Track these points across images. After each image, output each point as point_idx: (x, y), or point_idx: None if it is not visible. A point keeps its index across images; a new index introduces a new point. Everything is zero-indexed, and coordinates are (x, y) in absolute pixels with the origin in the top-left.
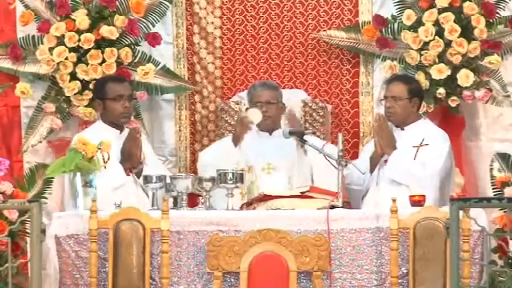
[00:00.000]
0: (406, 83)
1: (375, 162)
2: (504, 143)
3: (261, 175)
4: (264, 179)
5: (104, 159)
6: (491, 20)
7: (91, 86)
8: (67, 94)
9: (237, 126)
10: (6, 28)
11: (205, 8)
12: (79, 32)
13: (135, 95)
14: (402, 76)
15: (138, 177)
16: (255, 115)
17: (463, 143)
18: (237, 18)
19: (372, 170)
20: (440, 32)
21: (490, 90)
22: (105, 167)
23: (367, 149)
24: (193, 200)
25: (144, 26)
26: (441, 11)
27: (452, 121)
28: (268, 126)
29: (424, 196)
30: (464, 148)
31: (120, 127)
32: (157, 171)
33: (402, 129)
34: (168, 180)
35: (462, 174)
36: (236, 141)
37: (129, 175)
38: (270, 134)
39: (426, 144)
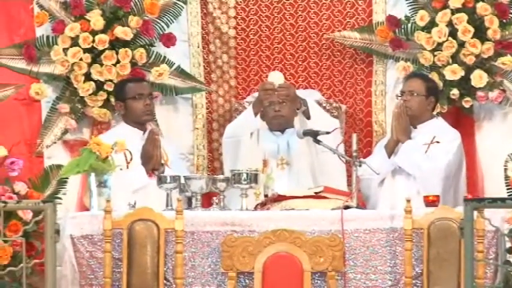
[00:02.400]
0: (425, 81)
1: (390, 149)
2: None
3: (275, 170)
4: (278, 175)
5: (126, 159)
6: (504, 21)
7: (105, 86)
8: (81, 95)
9: (259, 92)
10: (24, 28)
11: (219, 8)
12: (93, 33)
13: (154, 94)
14: (422, 74)
15: None
16: (276, 77)
17: (474, 142)
18: (252, 18)
19: (388, 157)
20: (453, 33)
21: (504, 91)
22: (127, 167)
23: (380, 145)
24: (207, 201)
25: (159, 27)
26: (454, 11)
27: (465, 122)
28: (281, 125)
29: (438, 196)
30: (474, 147)
31: (143, 127)
32: (179, 170)
33: (415, 127)
34: (182, 181)
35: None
36: (256, 108)
37: (151, 177)
38: (282, 133)
39: (437, 142)
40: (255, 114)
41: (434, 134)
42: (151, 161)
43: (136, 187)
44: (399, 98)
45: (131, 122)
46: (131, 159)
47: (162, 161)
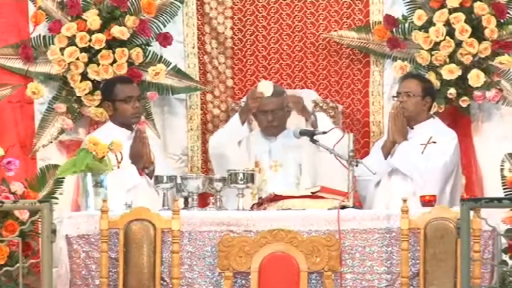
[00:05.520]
0: (421, 81)
1: (386, 150)
2: (509, 142)
3: (268, 173)
4: (271, 177)
5: (117, 159)
6: (502, 20)
7: (102, 86)
8: (78, 94)
9: (247, 100)
10: (19, 28)
11: (216, 9)
12: (90, 32)
13: (145, 95)
14: (417, 74)
15: (151, 178)
16: (266, 87)
17: (471, 142)
18: (248, 19)
19: (384, 158)
20: (451, 32)
21: (501, 90)
22: (118, 167)
23: (378, 145)
24: (203, 201)
25: (155, 26)
26: (452, 11)
27: (463, 121)
28: (274, 133)
29: (434, 196)
30: (472, 147)
31: (130, 127)
32: (165, 170)
33: (412, 127)
34: (178, 181)
35: (463, 174)
36: (244, 116)
37: (141, 176)
38: (276, 136)
39: (434, 142)
40: (242, 123)
41: (431, 135)
42: (142, 159)
43: (130, 186)
44: (395, 99)
45: (118, 123)
46: (121, 159)
47: (151, 160)
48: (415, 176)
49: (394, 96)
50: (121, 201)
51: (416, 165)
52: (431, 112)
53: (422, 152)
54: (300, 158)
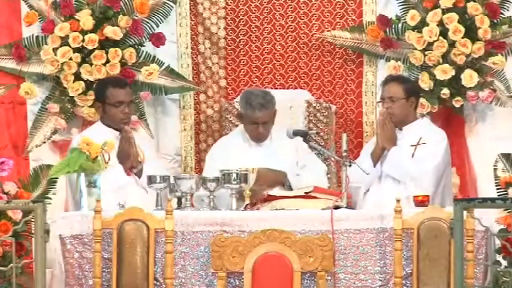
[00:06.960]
0: (402, 83)
1: (376, 156)
2: (502, 142)
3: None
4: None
5: (104, 159)
6: (495, 21)
7: (95, 86)
8: (71, 94)
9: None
10: (11, 28)
11: (209, 9)
12: (83, 33)
13: (138, 95)
14: (397, 76)
15: (139, 177)
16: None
17: (465, 142)
18: (241, 19)
19: (373, 165)
20: (444, 33)
21: (494, 90)
22: (106, 168)
23: (367, 148)
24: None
25: (148, 26)
26: (445, 11)
27: (456, 121)
28: (261, 140)
29: (428, 196)
30: (465, 147)
31: (119, 128)
32: (155, 170)
33: (401, 129)
34: (172, 181)
35: (458, 174)
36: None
37: (129, 176)
38: (261, 142)
39: (423, 143)
40: None
41: (421, 135)
42: (129, 159)
43: (115, 186)
44: (380, 104)
45: (107, 124)
46: (109, 159)
47: (139, 159)
48: (407, 180)
49: (378, 102)
50: (110, 201)
51: (407, 170)
52: (425, 112)
53: (412, 155)
54: (285, 162)
